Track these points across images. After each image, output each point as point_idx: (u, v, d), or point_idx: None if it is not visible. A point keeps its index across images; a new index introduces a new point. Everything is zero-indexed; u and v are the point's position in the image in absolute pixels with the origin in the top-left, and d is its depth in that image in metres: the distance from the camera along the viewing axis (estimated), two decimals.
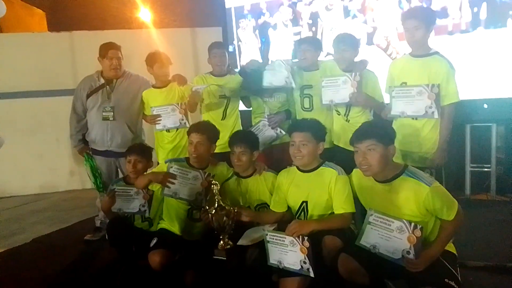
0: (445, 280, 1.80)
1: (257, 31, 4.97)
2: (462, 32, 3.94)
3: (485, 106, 3.92)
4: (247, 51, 4.96)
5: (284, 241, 2.10)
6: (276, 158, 3.10)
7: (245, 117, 3.43)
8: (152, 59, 3.20)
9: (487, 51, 3.82)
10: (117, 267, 2.68)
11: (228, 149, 2.63)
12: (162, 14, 7.75)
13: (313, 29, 4.62)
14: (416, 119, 2.51)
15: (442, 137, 2.52)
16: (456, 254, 2.00)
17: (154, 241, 2.47)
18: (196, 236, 2.63)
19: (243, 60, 4.88)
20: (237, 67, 4.96)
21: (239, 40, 5.08)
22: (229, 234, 2.29)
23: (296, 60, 3.11)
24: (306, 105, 3.04)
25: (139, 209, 2.65)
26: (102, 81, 3.31)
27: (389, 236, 1.91)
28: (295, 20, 4.73)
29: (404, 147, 2.52)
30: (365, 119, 2.72)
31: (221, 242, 2.26)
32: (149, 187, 2.65)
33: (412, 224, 1.84)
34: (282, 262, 2.14)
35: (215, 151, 2.73)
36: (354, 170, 2.23)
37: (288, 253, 2.10)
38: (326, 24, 4.54)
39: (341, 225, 2.21)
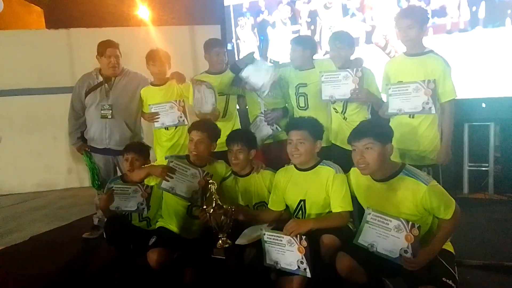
0: (443, 279, 1.80)
1: (255, 29, 4.96)
2: (461, 31, 3.94)
3: (483, 105, 3.93)
4: (246, 49, 4.95)
5: (281, 240, 2.10)
6: (274, 156, 3.10)
7: (245, 116, 3.42)
8: (152, 57, 3.19)
9: (485, 50, 3.82)
10: (115, 265, 2.68)
11: (224, 149, 2.64)
12: (161, 11, 7.71)
13: (312, 27, 4.62)
14: (414, 116, 2.52)
15: (446, 134, 2.53)
16: (454, 252, 2.01)
17: (153, 240, 2.47)
18: (194, 234, 2.63)
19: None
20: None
21: (237, 38, 5.07)
22: (227, 233, 2.29)
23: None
24: (302, 103, 3.03)
25: (137, 207, 2.64)
26: (101, 79, 3.30)
27: (386, 235, 1.91)
28: (294, 19, 4.72)
29: (402, 145, 2.52)
30: (362, 117, 2.72)
31: (220, 241, 2.26)
32: (147, 182, 2.64)
33: (410, 223, 1.84)
34: (279, 263, 2.14)
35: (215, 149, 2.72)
36: (352, 168, 2.23)
37: (286, 252, 2.10)
38: (325, 23, 4.53)
39: (339, 224, 2.21)
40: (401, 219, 1.87)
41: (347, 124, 2.79)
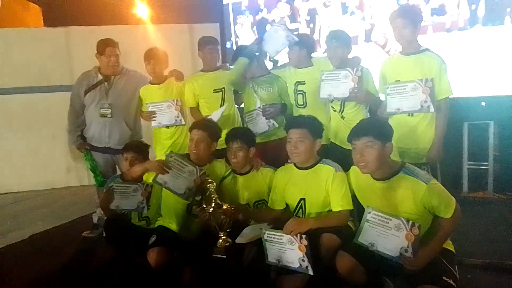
0: (443, 278, 1.80)
1: (254, 28, 4.94)
2: (460, 29, 3.94)
3: (483, 104, 3.92)
4: None
5: (282, 239, 2.10)
6: (273, 155, 3.09)
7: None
8: (149, 56, 3.17)
9: (485, 48, 3.82)
10: (115, 265, 2.67)
11: (224, 146, 2.64)
12: (159, 10, 7.69)
13: (311, 25, 4.61)
14: (412, 114, 2.52)
15: (439, 131, 2.54)
16: (454, 251, 2.00)
17: (152, 239, 2.46)
18: (194, 233, 2.62)
19: None
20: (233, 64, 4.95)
21: (236, 36, 5.06)
22: (227, 232, 2.28)
23: None
24: (300, 101, 3.03)
25: (137, 206, 2.64)
26: (100, 77, 3.29)
27: (387, 234, 1.91)
28: (293, 17, 4.71)
29: (401, 144, 2.52)
30: (360, 117, 2.71)
31: (220, 240, 2.25)
32: (145, 179, 2.62)
33: (410, 222, 1.84)
34: (281, 260, 2.14)
35: None
36: (352, 167, 2.22)
37: (286, 251, 2.10)
38: (324, 21, 4.52)
39: (339, 223, 2.21)
40: (401, 218, 1.87)
41: (344, 123, 2.80)
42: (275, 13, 4.79)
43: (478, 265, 2.57)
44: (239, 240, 2.28)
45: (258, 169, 2.61)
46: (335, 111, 2.86)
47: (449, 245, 2.01)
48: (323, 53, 3.00)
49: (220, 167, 2.67)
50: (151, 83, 3.29)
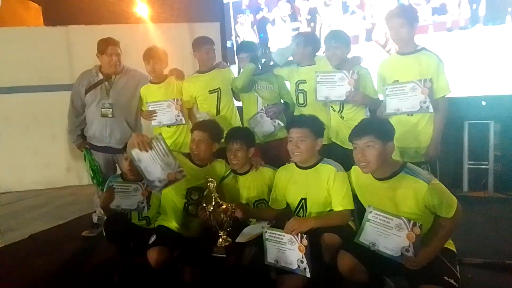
0: (444, 277, 1.79)
1: (255, 27, 4.94)
2: (461, 28, 3.94)
3: (483, 103, 3.92)
4: None
5: (282, 239, 2.10)
6: (273, 154, 3.09)
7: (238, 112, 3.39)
8: (149, 55, 3.16)
9: (485, 48, 3.82)
10: (115, 264, 2.67)
11: (225, 145, 2.63)
12: (160, 8, 7.69)
13: (312, 24, 4.61)
14: (412, 115, 2.52)
15: (437, 129, 2.55)
16: (455, 251, 2.00)
17: (153, 238, 2.46)
18: (194, 232, 2.62)
19: None
20: (234, 63, 4.94)
21: (237, 35, 5.05)
22: (227, 231, 2.28)
23: None
24: (301, 100, 3.03)
25: (138, 205, 2.63)
26: (101, 76, 3.28)
27: (388, 234, 1.90)
28: (294, 16, 4.71)
29: (401, 143, 2.52)
30: (360, 116, 2.70)
31: (220, 239, 2.25)
32: None
33: (412, 221, 1.83)
34: (279, 261, 2.14)
35: None
36: (353, 167, 2.22)
37: (286, 251, 2.10)
38: (325, 20, 4.52)
39: (340, 222, 2.20)
40: (403, 217, 1.86)
41: (344, 123, 2.80)
42: (276, 12, 4.79)
43: (478, 264, 2.57)
44: (239, 239, 2.28)
45: (258, 169, 2.61)
46: (334, 111, 2.86)
47: (450, 245, 2.00)
48: (323, 52, 2.99)
49: (220, 167, 2.67)
50: (151, 82, 3.28)
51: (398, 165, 2.01)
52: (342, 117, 2.82)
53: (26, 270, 2.90)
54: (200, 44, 3.19)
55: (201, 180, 2.53)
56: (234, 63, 4.87)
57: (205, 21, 5.63)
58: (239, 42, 4.97)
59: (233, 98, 3.34)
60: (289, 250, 2.08)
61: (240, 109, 3.34)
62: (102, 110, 3.23)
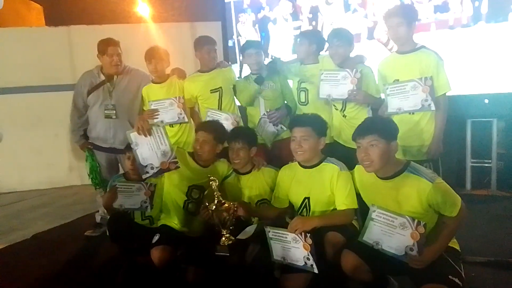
0: (449, 276, 1.79)
1: (256, 26, 4.94)
2: (463, 26, 3.92)
3: (486, 101, 3.91)
4: None
5: (286, 238, 2.10)
6: (275, 155, 3.09)
7: (241, 113, 3.38)
8: (151, 55, 3.14)
9: (488, 45, 3.80)
10: (118, 263, 2.68)
11: (225, 145, 2.63)
12: (161, 8, 7.67)
13: (313, 23, 4.60)
14: (413, 113, 2.52)
15: (438, 127, 2.55)
16: (459, 250, 2.00)
17: (156, 237, 2.46)
18: (196, 230, 2.62)
19: None
20: (236, 62, 4.94)
21: (238, 34, 5.05)
22: (230, 230, 2.28)
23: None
24: (302, 98, 3.02)
25: (141, 205, 2.63)
26: (103, 77, 3.28)
27: (392, 233, 1.90)
28: (295, 14, 4.70)
29: (404, 142, 2.52)
30: (362, 116, 2.69)
31: (223, 238, 2.25)
32: (150, 181, 2.64)
33: (416, 220, 1.83)
34: (286, 258, 2.14)
35: None
36: (356, 166, 2.22)
37: (291, 249, 2.10)
38: (327, 19, 4.51)
39: (344, 221, 2.21)
40: (407, 216, 1.86)
41: (347, 122, 2.79)
42: (277, 11, 4.78)
43: (482, 263, 2.56)
44: (240, 236, 2.28)
45: (260, 169, 2.61)
46: (337, 109, 2.86)
47: (455, 244, 2.00)
48: (325, 51, 2.99)
49: (222, 167, 2.68)
50: (153, 82, 3.27)
51: (401, 164, 2.01)
52: (344, 116, 2.81)
53: (29, 270, 2.91)
54: (202, 43, 3.18)
55: (203, 179, 2.53)
56: (236, 62, 4.88)
57: (207, 20, 5.63)
58: (240, 41, 4.97)
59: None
60: (294, 248, 2.09)
61: (241, 109, 3.33)
62: (106, 111, 3.24)
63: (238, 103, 3.35)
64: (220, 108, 3.19)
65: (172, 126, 3.18)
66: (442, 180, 1.93)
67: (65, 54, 5.52)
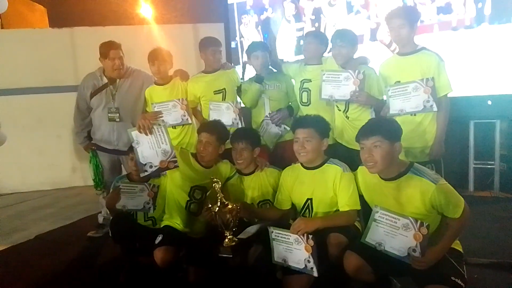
0: (452, 278, 1.79)
1: (259, 27, 4.94)
2: (467, 27, 3.93)
3: (489, 102, 3.91)
4: None
5: (289, 239, 2.10)
6: (278, 156, 3.09)
7: (246, 114, 3.37)
8: (153, 57, 3.14)
9: (491, 47, 3.80)
10: (121, 264, 2.68)
11: (229, 146, 2.64)
12: (163, 9, 7.69)
13: (316, 24, 4.61)
14: (415, 114, 2.52)
15: (440, 128, 2.55)
16: (462, 251, 1.99)
17: (159, 238, 2.46)
18: (199, 231, 2.63)
19: (245, 56, 4.86)
20: (239, 63, 4.95)
21: (241, 36, 5.06)
22: (233, 231, 2.28)
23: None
24: (304, 99, 3.02)
25: (144, 206, 2.64)
26: (105, 80, 3.29)
27: (394, 234, 1.90)
28: (298, 16, 4.71)
29: (406, 143, 2.50)
30: (365, 117, 2.69)
31: (226, 239, 2.25)
32: (153, 182, 2.64)
33: (419, 221, 1.83)
34: (287, 261, 2.14)
35: None
36: (360, 167, 2.22)
37: (293, 251, 2.10)
38: (329, 20, 4.52)
39: (346, 223, 2.20)
40: (410, 217, 1.86)
41: (349, 123, 2.79)
42: (280, 12, 4.78)
43: (484, 264, 2.56)
44: (240, 236, 2.28)
45: (263, 169, 2.61)
46: (339, 110, 2.85)
47: (457, 245, 1.99)
48: (328, 52, 2.99)
49: (225, 168, 2.68)
50: (156, 83, 3.27)
51: (405, 166, 2.00)
52: (347, 117, 2.81)
53: (32, 271, 2.92)
54: (207, 45, 3.19)
55: (205, 180, 2.54)
56: (238, 63, 4.89)
57: (209, 22, 5.64)
58: (243, 43, 4.98)
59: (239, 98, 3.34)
60: (295, 250, 2.09)
61: (247, 110, 3.33)
62: (109, 114, 3.25)
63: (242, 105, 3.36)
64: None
65: (175, 128, 3.18)
66: (446, 182, 1.93)
67: (68, 55, 5.54)
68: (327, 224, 2.16)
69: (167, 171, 2.54)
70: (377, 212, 1.97)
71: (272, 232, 2.17)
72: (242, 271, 2.36)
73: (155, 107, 3.15)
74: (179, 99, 3.11)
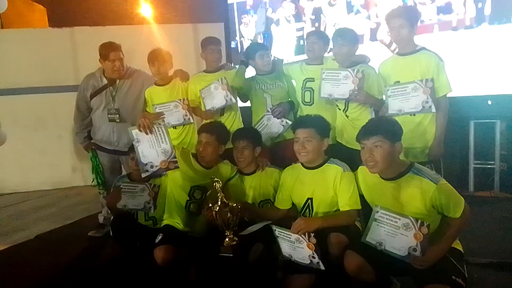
0: (452, 277, 1.79)
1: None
2: (467, 28, 3.93)
3: (489, 102, 3.91)
4: None
5: (290, 238, 2.10)
6: (279, 155, 3.09)
7: (247, 114, 3.38)
8: (153, 57, 3.14)
9: (491, 47, 3.81)
10: (121, 264, 2.69)
11: (229, 146, 2.65)
12: (163, 9, 7.68)
13: (316, 24, 4.62)
14: (415, 114, 2.52)
15: (439, 129, 2.55)
16: (462, 251, 1.99)
17: (159, 237, 2.47)
18: (200, 231, 2.63)
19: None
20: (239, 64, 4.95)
21: (241, 36, 5.06)
22: (234, 231, 2.28)
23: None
24: (307, 99, 3.01)
25: (144, 206, 2.64)
26: (105, 81, 3.29)
27: (395, 233, 1.90)
28: (298, 16, 4.72)
29: (405, 143, 2.51)
30: (364, 117, 2.70)
31: (227, 238, 2.25)
32: (154, 182, 2.65)
33: (419, 221, 1.82)
34: (292, 256, 2.15)
35: None
36: (360, 167, 2.22)
37: (296, 249, 2.11)
38: (329, 20, 4.52)
39: (347, 222, 2.21)
40: (410, 217, 1.86)
41: (349, 122, 2.79)
42: (280, 12, 4.79)
43: (484, 264, 2.56)
44: (243, 233, 2.29)
45: (264, 169, 2.61)
46: (339, 109, 2.86)
47: (458, 245, 1.99)
48: (328, 52, 3.00)
49: (226, 169, 2.68)
50: (156, 84, 3.27)
51: (405, 165, 2.01)
52: (347, 116, 2.81)
53: (33, 270, 2.92)
54: (207, 43, 3.20)
55: (205, 180, 2.54)
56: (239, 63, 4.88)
57: (209, 22, 5.64)
58: (243, 43, 4.98)
59: (239, 99, 3.34)
60: (298, 248, 2.09)
61: (247, 110, 3.33)
62: (109, 115, 3.26)
63: (240, 104, 3.36)
64: (223, 111, 3.19)
65: (175, 128, 3.19)
66: (446, 181, 1.93)
67: (68, 55, 5.55)
68: (328, 224, 2.17)
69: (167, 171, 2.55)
70: (378, 211, 1.96)
71: (275, 230, 2.17)
72: (242, 270, 2.36)
73: (156, 108, 3.14)
74: (180, 99, 3.12)
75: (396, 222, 1.89)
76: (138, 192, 2.64)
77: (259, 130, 3.02)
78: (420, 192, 1.90)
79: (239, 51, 5.02)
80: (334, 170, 2.28)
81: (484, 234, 3.03)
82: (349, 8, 4.42)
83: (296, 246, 2.10)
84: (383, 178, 2.03)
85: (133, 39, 4.81)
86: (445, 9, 3.97)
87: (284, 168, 2.54)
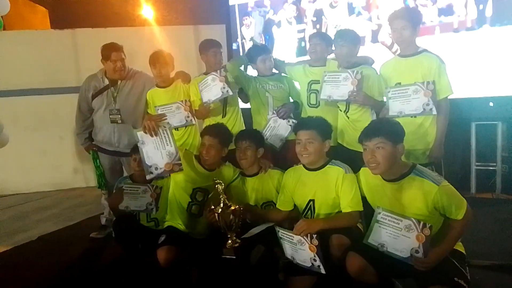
0: (454, 279, 1.79)
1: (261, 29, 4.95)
2: (468, 29, 3.93)
3: (491, 104, 3.91)
4: None
5: (292, 239, 2.10)
6: (281, 157, 3.09)
7: (247, 115, 3.39)
8: (155, 60, 3.14)
9: (492, 48, 3.80)
10: (123, 265, 2.69)
11: (231, 148, 2.65)
12: (165, 11, 7.71)
13: (317, 26, 4.62)
14: (415, 116, 2.52)
15: (440, 130, 2.55)
16: (465, 253, 1.99)
17: (162, 238, 2.47)
18: (202, 233, 2.63)
19: None
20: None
21: (243, 37, 5.06)
22: (236, 233, 2.28)
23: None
24: (313, 101, 3.01)
25: (146, 207, 2.65)
26: (107, 82, 3.30)
27: (397, 235, 1.90)
28: (299, 18, 4.72)
29: (407, 145, 2.51)
30: (365, 118, 2.71)
31: (229, 240, 2.25)
32: (156, 183, 2.65)
33: (421, 222, 1.83)
34: (295, 258, 2.15)
35: None
36: (362, 168, 2.22)
37: (298, 251, 2.11)
38: (331, 22, 4.52)
39: (349, 224, 2.21)
40: (412, 218, 1.86)
41: (350, 123, 2.80)
42: (281, 14, 4.79)
43: (486, 266, 2.56)
44: (245, 236, 2.29)
45: (266, 171, 2.61)
46: (341, 111, 2.86)
47: (460, 247, 1.99)
48: (330, 54, 3.00)
49: (228, 171, 2.69)
50: (158, 86, 3.26)
51: (407, 167, 2.01)
52: (348, 118, 2.82)
53: (35, 271, 2.93)
54: (208, 47, 3.19)
55: (208, 182, 2.55)
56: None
57: (211, 23, 5.66)
58: (245, 44, 4.98)
59: (241, 100, 3.35)
60: (300, 250, 2.10)
61: (248, 112, 3.34)
62: (111, 116, 3.27)
63: (241, 105, 3.37)
64: (224, 112, 3.20)
65: (177, 129, 3.19)
66: (448, 183, 1.93)
67: (70, 56, 5.57)
68: (329, 226, 2.16)
69: None
70: (380, 213, 1.97)
71: (279, 231, 2.18)
72: (244, 272, 2.36)
73: (158, 110, 3.14)
74: (182, 101, 3.12)
75: (398, 223, 1.90)
76: (140, 194, 2.65)
77: (268, 133, 3.01)
78: (422, 193, 1.90)
79: (241, 53, 5.02)
80: (335, 172, 2.28)
81: (485, 236, 3.02)
82: (351, 10, 4.42)
83: (298, 248, 2.10)
84: (385, 180, 2.03)
85: (134, 41, 4.83)
86: (447, 11, 3.97)
87: (286, 170, 2.54)
